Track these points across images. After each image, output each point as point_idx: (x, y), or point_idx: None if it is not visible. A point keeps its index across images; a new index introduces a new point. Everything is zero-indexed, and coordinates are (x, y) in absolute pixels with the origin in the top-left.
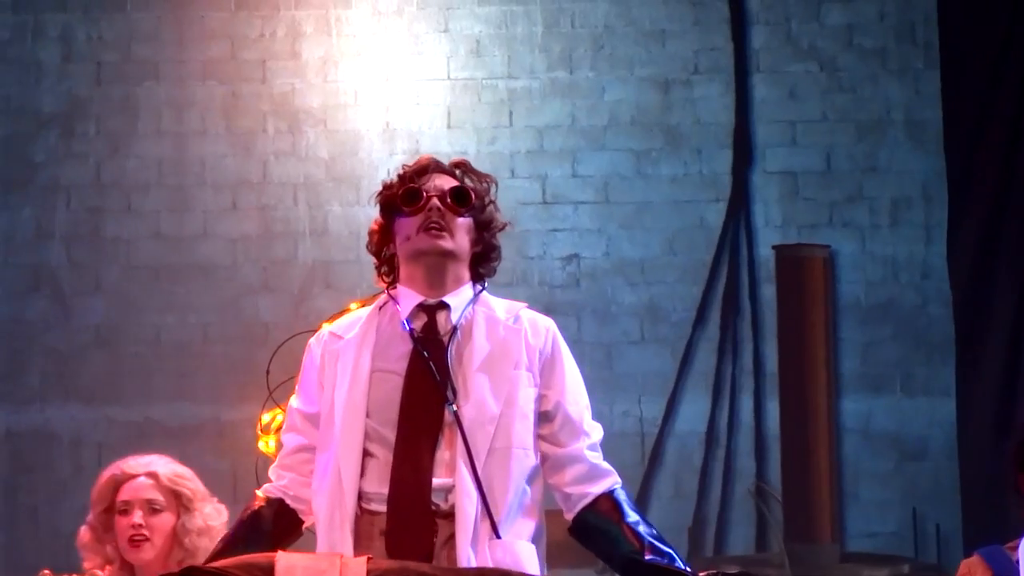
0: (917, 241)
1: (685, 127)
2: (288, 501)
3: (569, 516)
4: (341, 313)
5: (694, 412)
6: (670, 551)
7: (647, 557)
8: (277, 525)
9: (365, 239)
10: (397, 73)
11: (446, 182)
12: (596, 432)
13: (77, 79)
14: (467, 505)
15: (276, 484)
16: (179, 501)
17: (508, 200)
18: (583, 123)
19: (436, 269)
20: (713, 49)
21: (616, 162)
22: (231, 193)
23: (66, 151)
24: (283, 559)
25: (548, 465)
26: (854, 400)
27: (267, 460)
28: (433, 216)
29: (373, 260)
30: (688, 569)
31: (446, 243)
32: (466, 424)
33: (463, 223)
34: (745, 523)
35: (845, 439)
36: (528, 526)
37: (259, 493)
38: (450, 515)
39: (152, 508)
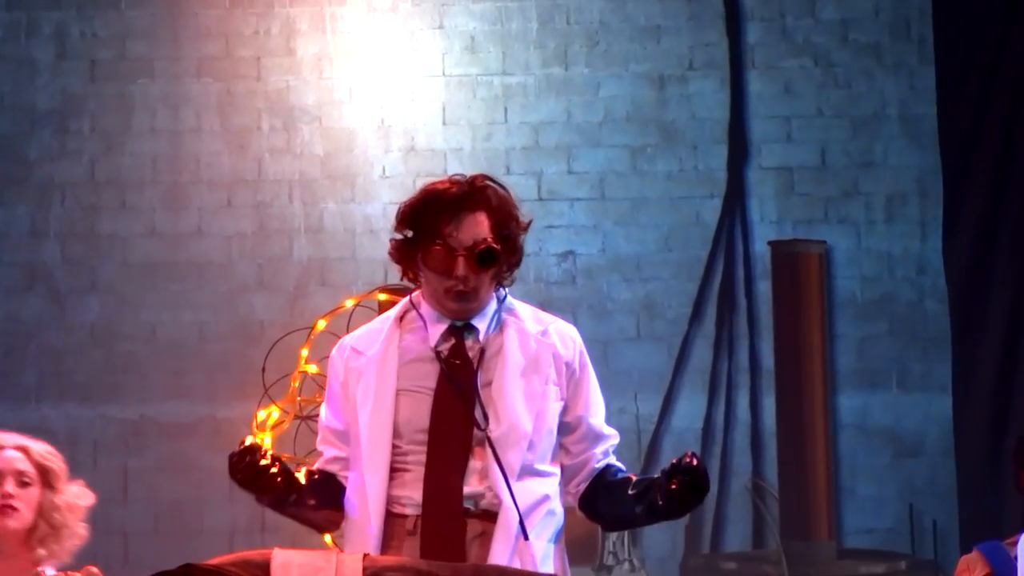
0: (913, 236)
1: (680, 123)
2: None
3: (574, 501)
4: (337, 310)
5: (690, 409)
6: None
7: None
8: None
9: (361, 237)
10: (392, 70)
11: (471, 228)
12: (611, 439)
13: (71, 76)
14: (508, 515)
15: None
16: (47, 477)
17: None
18: (578, 119)
19: (462, 316)
20: (708, 45)
21: (611, 158)
22: (226, 190)
23: (60, 149)
24: (279, 556)
25: (563, 470)
26: (850, 396)
27: None
28: (459, 283)
29: (397, 268)
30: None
31: (472, 305)
32: (498, 445)
33: (490, 274)
34: (742, 520)
35: (841, 435)
36: (551, 528)
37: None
38: (479, 516)
39: (22, 480)
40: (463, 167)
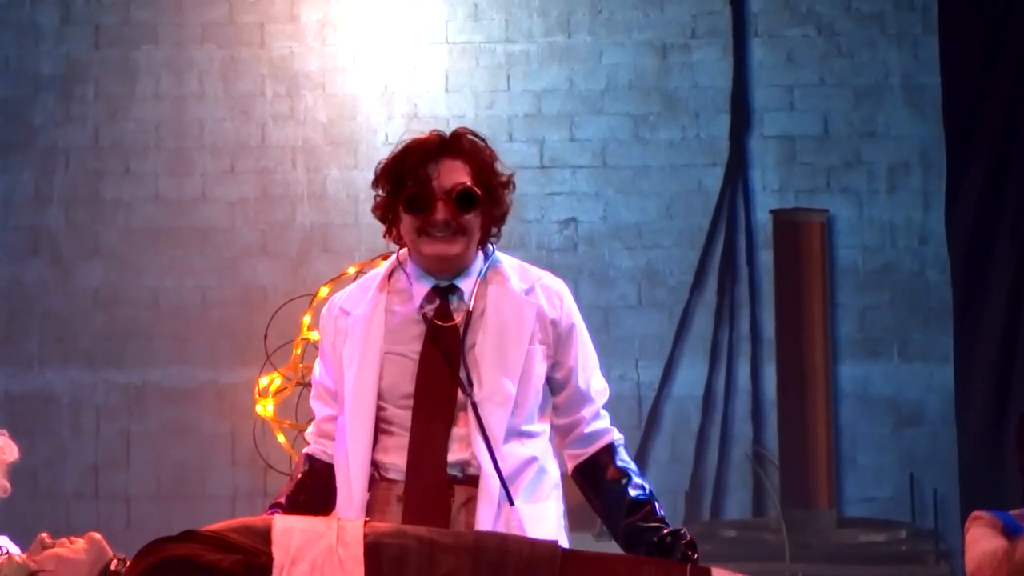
0: (915, 206)
1: (683, 91)
2: (324, 459)
3: (571, 473)
4: (339, 277)
5: (691, 376)
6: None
7: (623, 523)
8: (329, 482)
9: (364, 203)
10: (395, 37)
11: (450, 173)
12: (600, 396)
13: (75, 42)
14: (485, 480)
15: (315, 447)
16: None
17: (505, 164)
18: (581, 87)
19: (445, 265)
20: (711, 13)
21: (614, 126)
22: (229, 157)
23: (64, 114)
24: (280, 522)
25: (553, 429)
26: (851, 365)
27: (264, 423)
28: (439, 224)
29: (382, 224)
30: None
31: (453, 248)
32: (482, 409)
33: (471, 218)
34: (742, 488)
35: (842, 404)
36: (542, 492)
37: (306, 452)
38: (465, 482)
39: None
40: None
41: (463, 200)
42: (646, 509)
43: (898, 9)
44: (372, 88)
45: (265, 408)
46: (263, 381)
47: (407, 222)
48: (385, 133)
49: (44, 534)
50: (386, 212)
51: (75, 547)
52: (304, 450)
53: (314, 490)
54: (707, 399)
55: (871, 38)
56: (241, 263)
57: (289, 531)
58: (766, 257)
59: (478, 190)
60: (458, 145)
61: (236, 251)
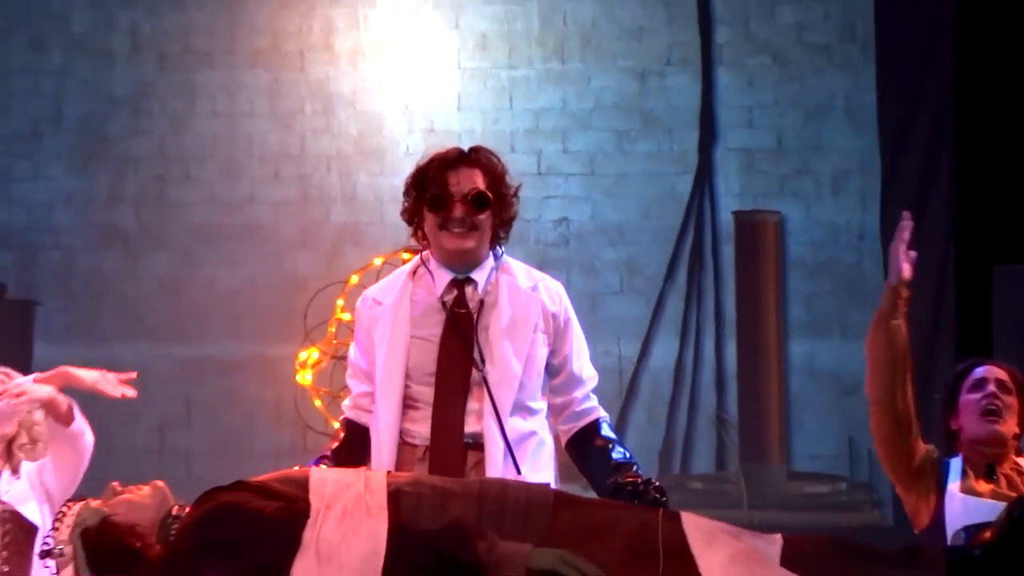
0: (855, 208)
1: (659, 111)
2: (360, 422)
3: (564, 445)
4: (367, 267)
5: (664, 352)
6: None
7: (607, 481)
8: (364, 442)
9: (388, 204)
10: (415, 63)
11: (468, 179)
12: (591, 381)
13: (144, 67)
14: (494, 452)
15: (352, 414)
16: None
17: (513, 177)
18: (573, 107)
19: (462, 259)
20: (683, 44)
21: (600, 140)
22: (274, 164)
23: (134, 128)
24: (316, 473)
25: (549, 405)
26: (800, 343)
27: (304, 391)
28: (456, 221)
29: (409, 227)
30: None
31: (468, 243)
32: (492, 384)
33: (484, 218)
34: (707, 447)
35: (792, 376)
36: (543, 461)
37: (344, 417)
38: (477, 448)
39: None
40: None
41: (477, 201)
42: (626, 468)
43: (842, 42)
44: (395, 106)
45: (304, 377)
46: (302, 355)
47: (430, 220)
48: (406, 145)
49: (115, 483)
50: (412, 215)
51: (142, 494)
52: (343, 416)
53: (353, 448)
54: (678, 371)
55: (818, 66)
56: (284, 255)
57: (323, 481)
58: (728, 251)
59: (491, 194)
60: (475, 156)
61: (280, 245)
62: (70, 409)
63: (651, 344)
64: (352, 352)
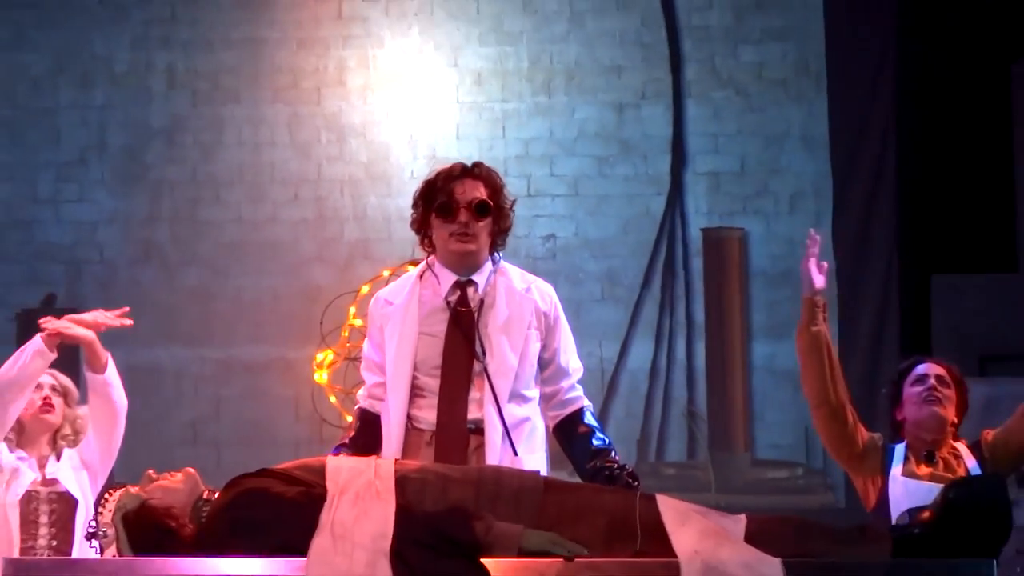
0: (810, 224)
1: (635, 139)
2: (373, 411)
3: (551, 431)
4: (376, 278)
5: (641, 353)
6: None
7: (587, 465)
8: (378, 430)
9: (395, 223)
10: (418, 98)
11: (471, 189)
12: (577, 373)
13: (178, 102)
14: (493, 435)
15: (366, 404)
16: (68, 397)
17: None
18: (559, 135)
19: (465, 262)
20: (656, 80)
21: (583, 165)
22: (294, 188)
23: (169, 156)
24: (332, 461)
25: (540, 395)
26: (762, 344)
27: (320, 388)
28: (462, 226)
29: (417, 236)
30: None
31: (472, 246)
32: (492, 375)
33: (485, 225)
34: (679, 437)
35: (755, 374)
36: (536, 443)
37: (359, 407)
38: (478, 433)
39: (55, 390)
40: None
41: (480, 209)
42: (604, 454)
43: (797, 77)
44: (401, 136)
45: (321, 377)
46: (319, 356)
47: (437, 227)
48: (411, 170)
49: (151, 471)
50: (421, 225)
51: (175, 479)
52: (357, 407)
53: (368, 435)
54: (653, 370)
55: (777, 98)
56: (302, 268)
57: (339, 468)
58: (697, 263)
59: (492, 203)
60: (477, 170)
61: (299, 259)
62: (107, 361)
63: (629, 346)
64: (366, 347)
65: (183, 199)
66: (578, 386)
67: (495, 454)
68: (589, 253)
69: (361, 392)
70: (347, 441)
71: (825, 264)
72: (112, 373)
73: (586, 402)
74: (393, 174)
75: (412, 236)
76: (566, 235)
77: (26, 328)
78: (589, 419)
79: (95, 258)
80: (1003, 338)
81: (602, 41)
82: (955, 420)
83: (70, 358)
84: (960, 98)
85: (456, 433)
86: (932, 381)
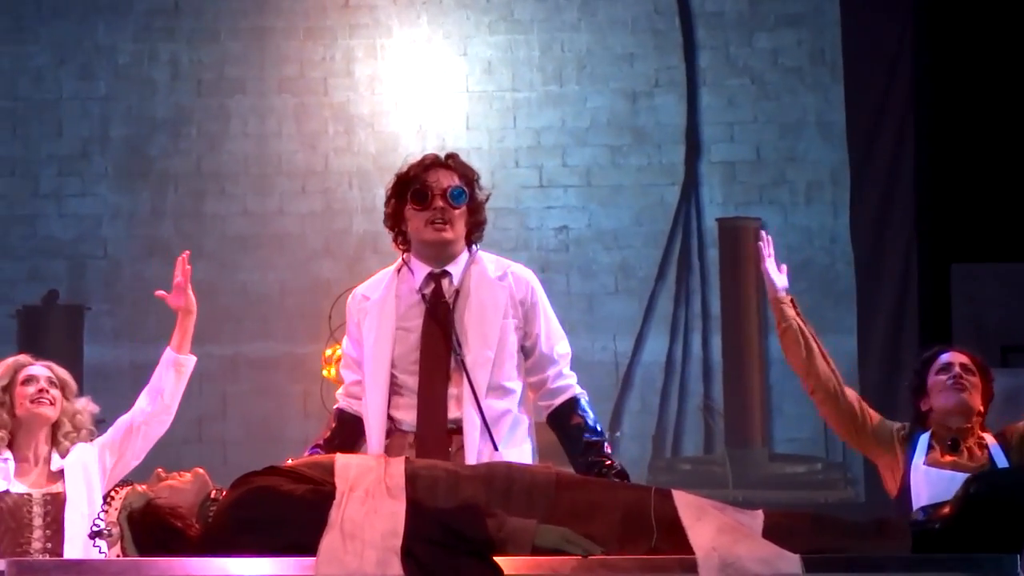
0: (827, 215)
1: (649, 128)
2: (351, 411)
3: (546, 421)
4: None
5: (656, 347)
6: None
7: (579, 460)
8: (355, 431)
9: None
10: (428, 87)
11: (446, 178)
12: (563, 359)
13: (182, 93)
14: (472, 432)
15: (344, 404)
16: (66, 389)
17: (513, 185)
18: (571, 125)
19: (440, 251)
20: (670, 68)
21: (596, 155)
22: (301, 180)
23: (174, 148)
24: (341, 459)
25: (528, 384)
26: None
27: (329, 384)
28: (437, 213)
29: (389, 232)
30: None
31: (447, 234)
32: (469, 368)
33: (460, 213)
34: (695, 432)
35: (772, 367)
36: (519, 437)
37: (337, 408)
38: (458, 431)
39: (51, 383)
40: (482, 164)
41: (454, 196)
42: (596, 448)
43: (813, 64)
44: (410, 127)
45: (329, 372)
46: (327, 352)
47: (411, 216)
48: None
49: (160, 469)
50: (395, 219)
51: (183, 479)
52: (335, 406)
53: (344, 436)
54: (668, 364)
55: (792, 86)
56: (310, 262)
57: (348, 466)
58: (713, 254)
59: (467, 190)
60: (451, 160)
61: (306, 253)
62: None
63: (644, 340)
64: (345, 344)
65: (188, 192)
66: (569, 372)
67: (473, 450)
68: (602, 245)
69: (340, 391)
70: (321, 442)
71: (784, 265)
72: (188, 364)
73: (578, 390)
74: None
75: None
76: (579, 227)
77: (28, 325)
78: (583, 409)
79: (98, 254)
80: None
81: (614, 29)
82: (981, 409)
83: (70, 350)
84: (980, 84)
85: (436, 433)
86: (957, 369)
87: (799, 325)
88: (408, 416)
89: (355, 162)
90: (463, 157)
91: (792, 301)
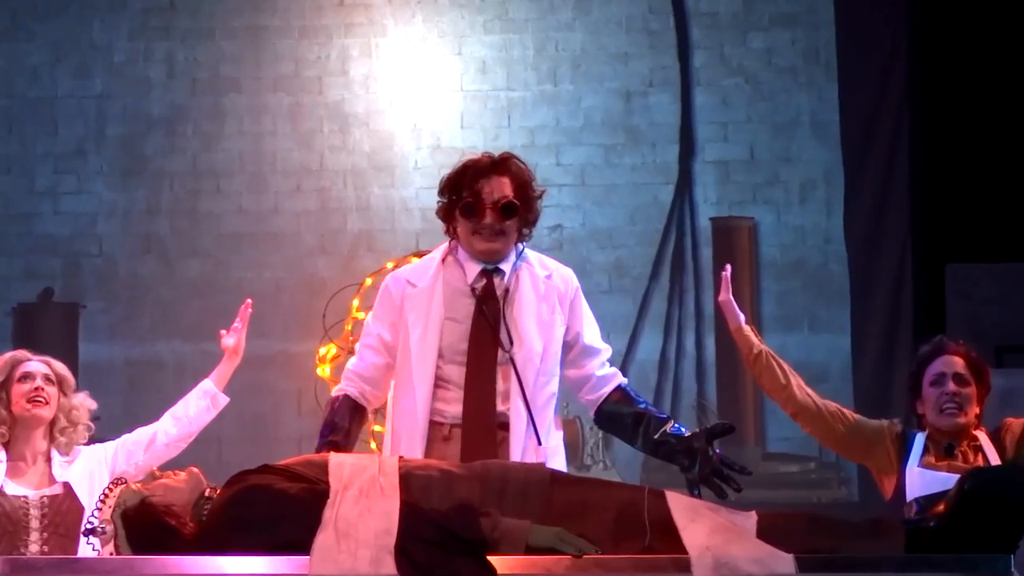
0: (820, 214)
1: (643, 127)
2: (360, 400)
3: (592, 414)
4: (380, 270)
5: (650, 345)
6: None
7: (671, 429)
8: (354, 416)
9: (399, 214)
10: (422, 86)
11: (498, 188)
12: (604, 352)
13: (178, 91)
14: (518, 424)
15: (352, 386)
16: (63, 385)
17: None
18: (565, 124)
19: (489, 256)
20: (664, 67)
21: (590, 154)
22: (296, 178)
23: (170, 147)
24: (335, 457)
25: (571, 381)
26: (772, 335)
27: (323, 383)
28: (487, 228)
29: (443, 225)
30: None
31: (497, 245)
32: (518, 363)
33: (511, 224)
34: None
35: None
36: (557, 432)
37: (337, 391)
38: (503, 426)
39: (48, 380)
40: None
41: (506, 210)
42: (667, 423)
43: (807, 63)
44: (405, 125)
45: (323, 371)
46: (322, 350)
47: (462, 224)
48: (415, 160)
49: (155, 468)
50: (447, 215)
51: (178, 478)
52: (340, 392)
53: (357, 427)
54: (662, 362)
55: (786, 86)
56: (305, 260)
57: (342, 464)
58: (707, 253)
59: (518, 202)
60: (505, 166)
61: (301, 251)
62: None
63: (638, 338)
64: (374, 327)
65: (183, 190)
66: (608, 364)
67: (519, 445)
68: (596, 244)
69: (350, 367)
70: (339, 437)
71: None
72: (219, 400)
73: (623, 379)
74: (397, 164)
75: (416, 227)
76: (573, 225)
77: (23, 323)
78: (635, 392)
79: (94, 251)
80: (1019, 328)
81: (608, 28)
82: (976, 413)
83: (65, 348)
84: (974, 84)
85: (485, 428)
86: (951, 385)
87: (767, 350)
88: (450, 408)
89: (350, 161)
90: (458, 156)
91: (753, 330)
